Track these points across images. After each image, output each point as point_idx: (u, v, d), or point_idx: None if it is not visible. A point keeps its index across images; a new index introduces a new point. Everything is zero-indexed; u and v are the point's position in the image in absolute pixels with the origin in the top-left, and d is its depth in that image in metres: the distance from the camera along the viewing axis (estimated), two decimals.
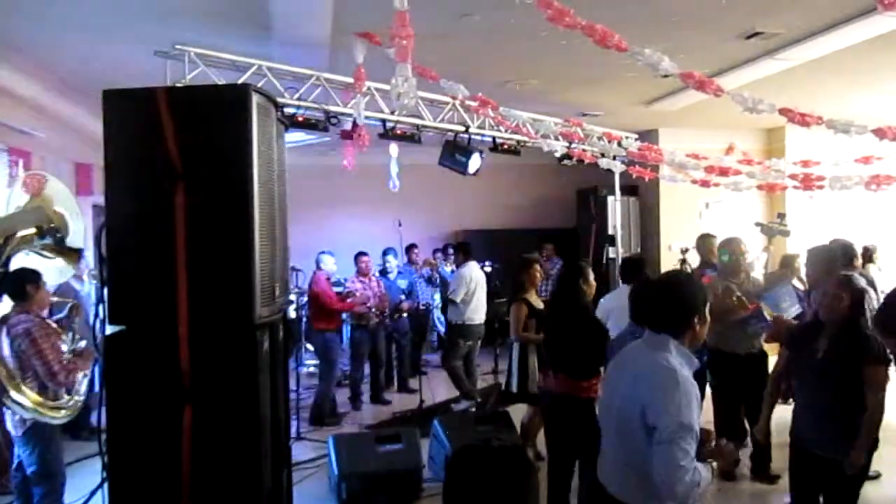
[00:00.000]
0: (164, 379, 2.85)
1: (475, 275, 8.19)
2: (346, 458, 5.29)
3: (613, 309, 5.42)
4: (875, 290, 6.10)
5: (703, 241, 7.08)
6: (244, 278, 2.88)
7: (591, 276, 5.00)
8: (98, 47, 6.03)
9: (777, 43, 5.96)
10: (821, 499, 3.93)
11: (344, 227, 11.14)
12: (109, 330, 2.89)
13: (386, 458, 5.35)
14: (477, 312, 8.06)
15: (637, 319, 3.37)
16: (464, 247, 8.74)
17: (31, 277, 4.44)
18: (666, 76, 6.67)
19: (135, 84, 2.89)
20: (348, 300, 7.90)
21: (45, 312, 4.66)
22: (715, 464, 2.69)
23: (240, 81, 5.69)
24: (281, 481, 3.48)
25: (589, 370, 4.62)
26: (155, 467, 2.83)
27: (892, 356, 4.15)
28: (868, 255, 7.61)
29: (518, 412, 6.28)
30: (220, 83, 5.56)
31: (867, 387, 3.65)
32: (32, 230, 4.43)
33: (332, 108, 6.38)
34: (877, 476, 5.14)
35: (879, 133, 4.41)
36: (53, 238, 4.49)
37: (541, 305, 5.99)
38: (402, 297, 8.82)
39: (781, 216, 8.78)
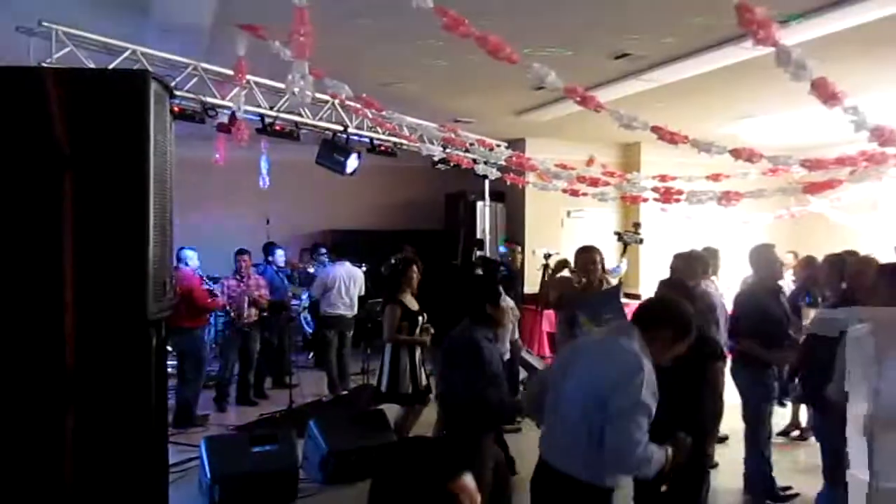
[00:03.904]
0: (46, 379, 2.69)
1: (338, 272, 8.68)
2: (220, 461, 5.13)
3: None
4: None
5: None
6: (138, 271, 2.78)
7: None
8: None
9: (643, 64, 6.41)
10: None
11: (207, 224, 10.70)
12: None
13: (261, 459, 5.24)
14: (335, 306, 8.60)
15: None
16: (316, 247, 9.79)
17: None
18: (539, 89, 7.09)
19: None
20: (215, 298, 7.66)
21: None
22: (670, 451, 2.87)
23: (111, 66, 5.40)
24: (163, 488, 3.35)
25: None
26: (34, 475, 2.65)
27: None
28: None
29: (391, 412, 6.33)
30: (89, 66, 5.25)
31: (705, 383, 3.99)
32: None
33: (210, 100, 6.16)
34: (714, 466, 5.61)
35: (736, 153, 4.87)
36: None
37: (416, 306, 6.06)
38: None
39: (636, 226, 9.42)
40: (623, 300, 9.44)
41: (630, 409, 2.67)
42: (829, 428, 3.84)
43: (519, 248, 7.33)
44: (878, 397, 2.91)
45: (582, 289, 5.47)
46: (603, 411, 2.71)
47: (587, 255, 5.43)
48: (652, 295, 3.89)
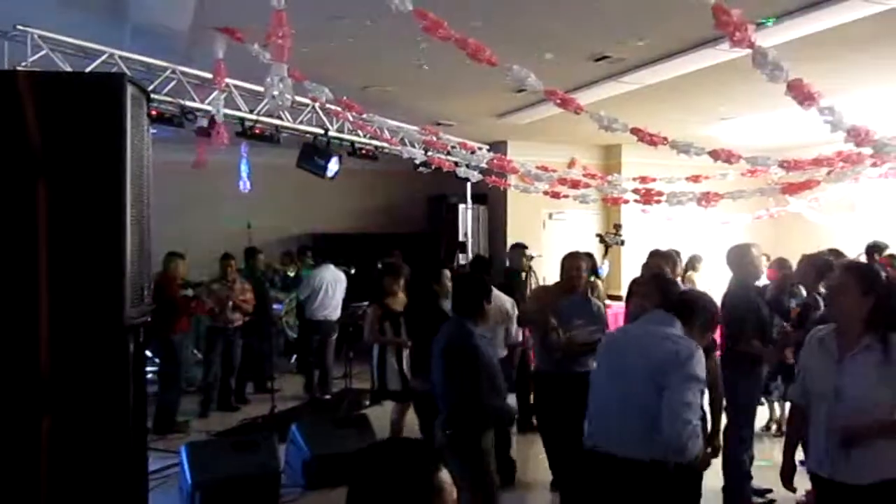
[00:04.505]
0: (20, 385, 2.65)
1: (325, 276, 8.69)
2: (201, 467, 5.08)
3: None
4: None
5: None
6: (114, 277, 2.76)
7: (446, 279, 5.23)
8: None
9: (622, 66, 6.44)
10: None
11: (187, 229, 10.60)
12: None
13: (242, 464, 5.19)
14: (320, 310, 8.65)
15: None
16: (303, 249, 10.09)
17: None
18: (520, 91, 7.10)
19: None
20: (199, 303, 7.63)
21: None
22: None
23: (88, 70, 5.34)
24: (143, 495, 3.32)
25: None
26: (9, 482, 2.61)
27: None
28: (692, 265, 8.34)
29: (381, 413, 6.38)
30: (65, 70, 5.19)
31: None
32: None
33: (189, 104, 6.12)
34: None
35: (715, 155, 4.90)
36: None
37: (401, 308, 6.10)
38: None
39: (617, 227, 9.47)
40: (606, 301, 9.50)
41: (684, 388, 2.89)
42: None
43: (527, 251, 7.22)
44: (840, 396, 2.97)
45: (555, 292, 5.30)
46: (660, 393, 2.90)
47: (572, 261, 5.24)
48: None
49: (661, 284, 4.00)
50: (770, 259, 9.88)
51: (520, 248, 7.59)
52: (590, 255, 7.03)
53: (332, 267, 8.89)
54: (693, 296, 3.49)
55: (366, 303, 8.24)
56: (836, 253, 5.86)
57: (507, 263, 7.79)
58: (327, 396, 8.54)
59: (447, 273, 5.79)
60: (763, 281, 7.44)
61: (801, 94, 3.73)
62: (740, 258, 5.04)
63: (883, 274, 3.32)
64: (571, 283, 5.12)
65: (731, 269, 5.12)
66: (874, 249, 7.10)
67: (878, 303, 3.02)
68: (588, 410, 3.30)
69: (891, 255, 6.96)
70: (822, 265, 5.15)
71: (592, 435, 3.22)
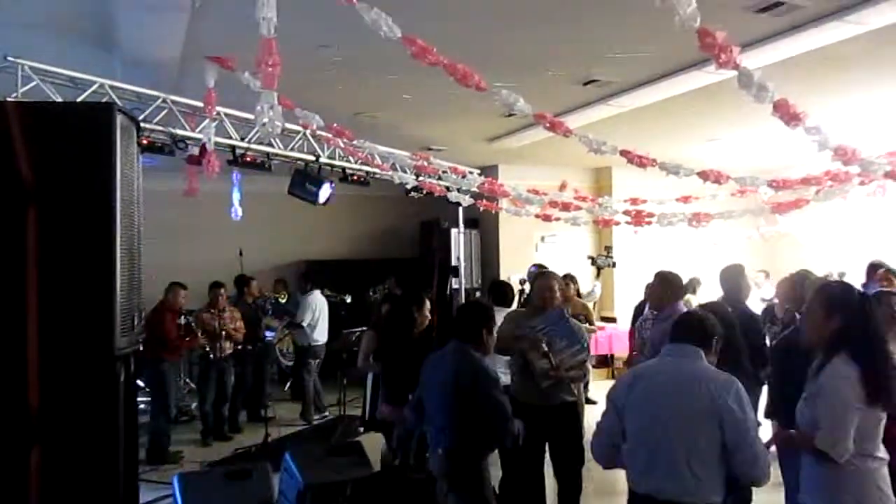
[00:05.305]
0: (9, 416, 2.62)
1: (318, 301, 9.05)
2: (194, 498, 5.00)
3: None
4: None
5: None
6: (104, 306, 2.74)
7: (426, 307, 5.15)
8: None
9: (611, 90, 6.50)
10: None
11: (179, 257, 10.56)
12: None
13: (236, 494, 5.11)
14: (321, 334, 9.00)
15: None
16: (306, 276, 9.83)
17: None
18: (510, 115, 7.15)
19: None
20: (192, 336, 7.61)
21: None
22: None
23: (79, 100, 5.35)
24: None
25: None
26: None
27: None
28: (691, 287, 8.34)
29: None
30: (56, 100, 5.20)
31: None
32: None
33: (180, 132, 6.13)
34: None
35: (703, 175, 4.94)
36: None
37: None
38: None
39: (608, 249, 9.50)
40: (599, 323, 9.48)
41: (753, 425, 2.95)
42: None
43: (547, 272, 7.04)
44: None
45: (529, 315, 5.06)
46: (715, 433, 2.91)
47: (544, 282, 5.02)
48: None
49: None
50: (768, 276, 9.95)
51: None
52: (571, 277, 6.98)
53: (318, 293, 9.23)
54: (704, 322, 3.31)
55: (359, 329, 8.28)
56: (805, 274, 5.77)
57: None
58: (326, 415, 8.81)
59: (427, 303, 5.45)
60: (757, 298, 7.48)
61: (787, 114, 3.77)
62: (734, 278, 5.06)
63: (859, 294, 3.21)
64: (544, 305, 4.87)
65: (723, 288, 5.13)
66: (874, 267, 7.11)
67: (846, 324, 2.99)
68: (630, 452, 3.18)
69: (888, 270, 6.91)
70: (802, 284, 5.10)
71: (639, 481, 3.15)
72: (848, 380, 2.89)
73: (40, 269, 2.65)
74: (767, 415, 4.50)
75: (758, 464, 2.92)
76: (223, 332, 7.79)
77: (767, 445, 3.11)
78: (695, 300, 8.24)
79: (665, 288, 5.10)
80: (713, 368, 3.11)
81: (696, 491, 2.97)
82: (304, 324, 8.81)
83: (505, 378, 5.16)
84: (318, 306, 9.01)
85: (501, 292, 6.25)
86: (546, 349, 4.63)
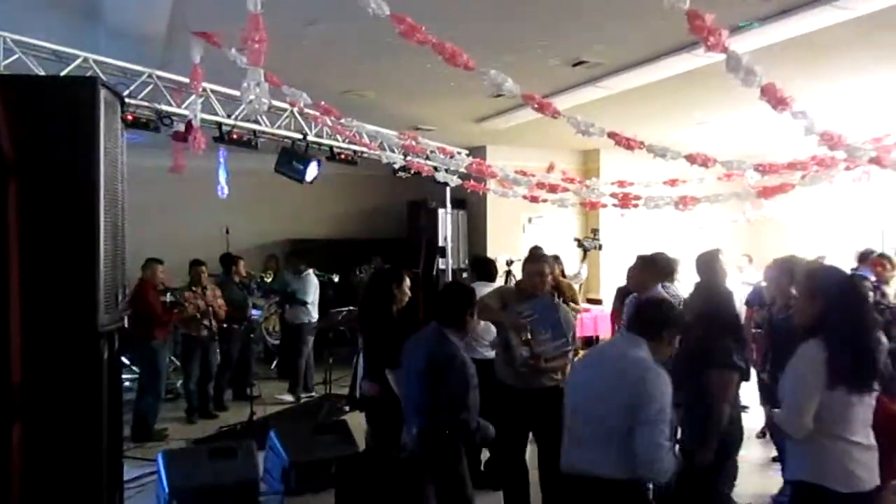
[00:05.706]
0: None
1: (314, 280, 9.18)
2: (178, 475, 5.03)
3: None
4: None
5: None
6: (87, 282, 2.72)
7: (406, 284, 5.01)
8: None
9: (599, 72, 6.49)
10: None
11: (164, 234, 10.50)
12: None
13: (221, 472, 5.14)
14: (313, 313, 9.03)
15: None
16: (297, 255, 9.59)
17: None
18: (499, 96, 7.13)
19: None
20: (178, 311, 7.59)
21: None
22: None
23: (62, 74, 5.29)
24: None
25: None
26: None
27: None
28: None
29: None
30: (39, 74, 5.13)
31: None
32: None
33: (165, 108, 6.07)
34: None
35: (690, 159, 4.95)
36: None
37: None
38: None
39: (594, 232, 9.52)
40: (585, 305, 9.51)
41: (655, 414, 2.92)
42: None
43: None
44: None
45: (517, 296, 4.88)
46: (629, 419, 2.94)
47: (533, 266, 4.82)
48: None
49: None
50: (751, 260, 10.01)
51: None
52: (556, 258, 6.94)
53: (312, 272, 9.22)
54: (655, 309, 3.35)
55: (346, 309, 8.30)
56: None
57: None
58: (313, 394, 8.79)
59: (408, 280, 5.19)
60: (739, 282, 7.52)
61: (774, 99, 3.78)
62: (709, 263, 5.08)
63: (841, 278, 3.23)
64: (533, 290, 4.71)
65: (699, 274, 5.13)
66: (865, 254, 7.17)
67: (826, 308, 3.01)
68: (564, 431, 3.28)
69: (881, 255, 6.94)
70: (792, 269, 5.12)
71: (565, 456, 3.25)
72: (812, 361, 2.93)
73: (22, 245, 2.63)
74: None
75: (652, 458, 2.91)
76: (210, 308, 7.77)
77: (763, 431, 3.18)
78: (676, 284, 8.28)
79: (646, 270, 5.11)
80: (641, 357, 3.09)
81: (615, 468, 3.01)
82: (309, 301, 8.89)
83: (491, 353, 5.18)
84: (315, 284, 9.18)
85: (486, 269, 6.16)
86: (528, 337, 4.50)
